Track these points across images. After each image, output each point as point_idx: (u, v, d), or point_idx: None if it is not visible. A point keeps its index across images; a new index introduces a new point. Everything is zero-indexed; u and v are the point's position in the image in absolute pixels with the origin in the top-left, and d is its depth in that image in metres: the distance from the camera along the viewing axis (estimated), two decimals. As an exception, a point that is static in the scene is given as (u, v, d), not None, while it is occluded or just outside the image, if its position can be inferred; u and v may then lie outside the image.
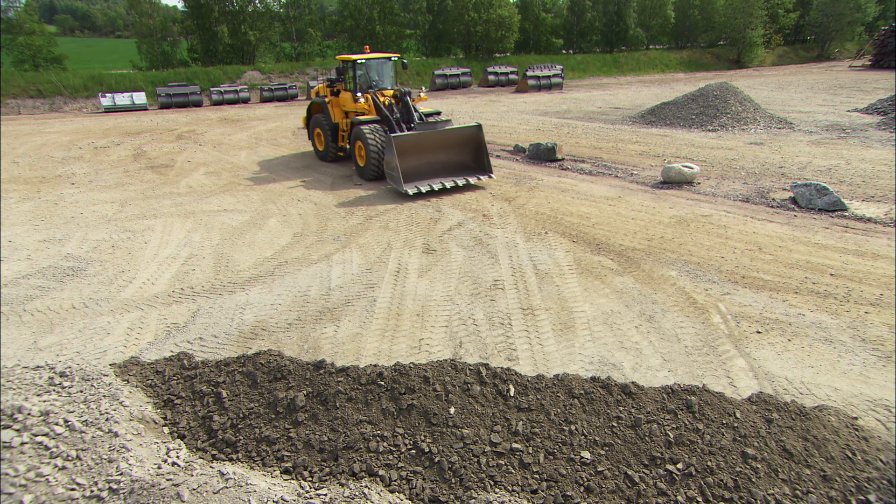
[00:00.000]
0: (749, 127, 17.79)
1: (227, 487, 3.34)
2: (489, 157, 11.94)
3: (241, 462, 3.82)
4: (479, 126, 11.75)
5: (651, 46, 56.68)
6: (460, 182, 11.39)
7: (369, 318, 6.30)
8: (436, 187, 11.08)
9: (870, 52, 45.69)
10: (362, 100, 12.84)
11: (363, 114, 12.95)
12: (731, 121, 18.16)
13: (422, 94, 13.91)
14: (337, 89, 13.99)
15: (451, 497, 3.51)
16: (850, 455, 3.68)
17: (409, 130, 11.78)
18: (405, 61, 14.42)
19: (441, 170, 11.71)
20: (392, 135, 10.75)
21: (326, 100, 14.07)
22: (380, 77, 13.78)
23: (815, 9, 54.96)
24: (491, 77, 40.11)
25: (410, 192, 10.78)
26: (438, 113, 13.35)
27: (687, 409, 3.97)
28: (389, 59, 13.91)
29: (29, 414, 3.73)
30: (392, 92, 13.17)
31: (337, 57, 14.54)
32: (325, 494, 3.45)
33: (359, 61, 13.24)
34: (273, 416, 4.12)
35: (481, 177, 11.75)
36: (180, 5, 41.28)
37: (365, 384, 4.24)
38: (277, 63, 41.26)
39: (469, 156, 12.05)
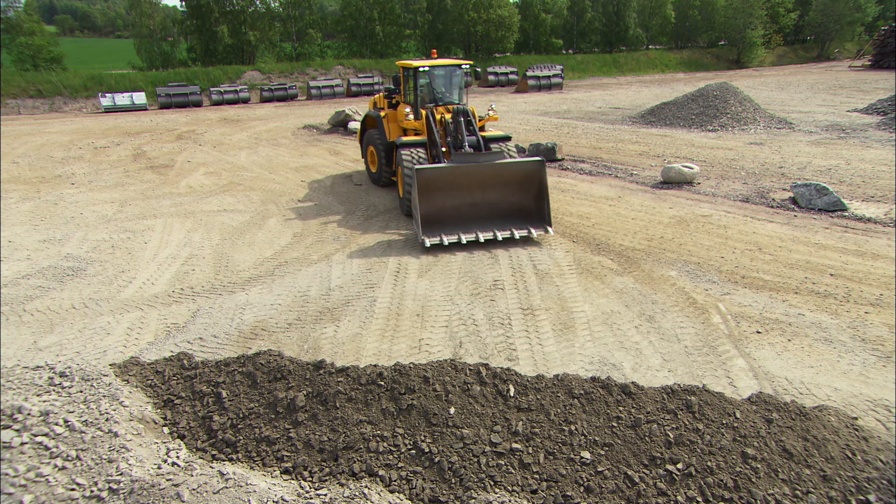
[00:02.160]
0: (749, 127, 17.79)
1: (227, 487, 3.34)
2: (549, 203, 8.79)
3: (241, 462, 3.82)
4: (542, 162, 8.77)
5: (651, 46, 56.70)
6: (502, 236, 8.46)
7: (369, 318, 6.30)
8: (465, 240, 8.36)
9: (869, 52, 45.69)
10: (411, 116, 10.64)
11: (418, 133, 10.66)
12: (731, 121, 18.17)
13: (491, 112, 11.10)
14: (396, 101, 11.72)
15: (451, 497, 3.51)
16: (850, 455, 3.67)
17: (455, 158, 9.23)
18: (478, 70, 12.04)
19: (484, 215, 8.95)
20: (416, 167, 8.50)
21: (382, 114, 11.63)
22: (446, 88, 11.14)
23: (814, 9, 54.99)
24: (491, 77, 40.12)
25: (428, 243, 8.26)
26: (508, 138, 10.50)
27: (687, 409, 3.97)
28: (459, 66, 11.27)
29: (29, 414, 3.73)
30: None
31: (396, 63, 12.26)
32: (325, 494, 3.45)
33: (421, 69, 10.67)
34: (273, 416, 4.12)
35: (534, 230, 8.59)
36: (180, 6, 41.22)
37: (365, 384, 4.24)
38: (277, 63, 41.27)
39: (526, 199, 9.05)
